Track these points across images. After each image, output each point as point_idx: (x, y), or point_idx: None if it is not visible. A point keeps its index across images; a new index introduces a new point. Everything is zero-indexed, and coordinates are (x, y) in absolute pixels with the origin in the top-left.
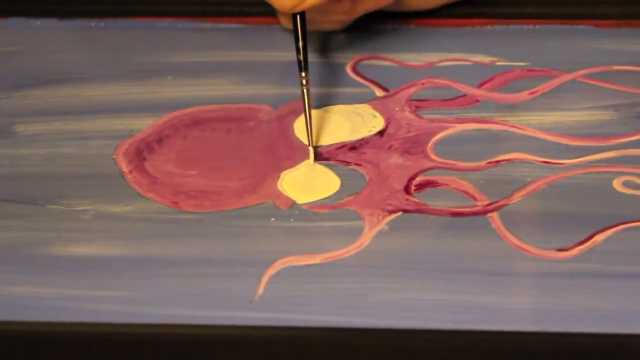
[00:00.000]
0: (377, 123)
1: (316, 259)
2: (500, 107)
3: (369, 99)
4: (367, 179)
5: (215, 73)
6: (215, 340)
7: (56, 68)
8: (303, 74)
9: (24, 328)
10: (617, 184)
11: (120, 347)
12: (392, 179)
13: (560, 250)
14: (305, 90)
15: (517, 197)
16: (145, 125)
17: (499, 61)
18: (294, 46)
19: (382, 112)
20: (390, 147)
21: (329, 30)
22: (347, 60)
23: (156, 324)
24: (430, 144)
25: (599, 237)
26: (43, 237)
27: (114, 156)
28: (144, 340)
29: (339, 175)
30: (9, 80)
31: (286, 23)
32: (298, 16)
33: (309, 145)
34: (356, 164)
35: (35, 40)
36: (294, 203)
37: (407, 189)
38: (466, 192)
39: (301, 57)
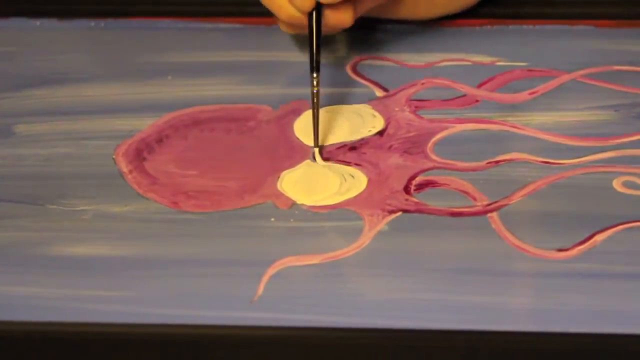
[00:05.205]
0: (377, 123)
1: (316, 259)
2: (500, 107)
3: (369, 99)
4: (367, 179)
5: (215, 73)
6: (215, 340)
7: (56, 68)
8: (315, 75)
9: (24, 328)
10: (617, 184)
11: (120, 347)
12: (392, 179)
13: (560, 250)
14: (315, 92)
15: (517, 197)
16: (145, 125)
17: (499, 61)
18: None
19: (382, 112)
20: (390, 147)
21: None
22: (347, 60)
23: (156, 324)
24: (430, 144)
25: (599, 237)
26: (43, 237)
27: (114, 156)
28: (144, 340)
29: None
30: (9, 80)
31: (286, 29)
32: (314, 15)
33: (315, 146)
34: (356, 164)
35: (35, 40)
36: (294, 203)
37: (407, 189)
38: (466, 192)
39: (314, 58)
